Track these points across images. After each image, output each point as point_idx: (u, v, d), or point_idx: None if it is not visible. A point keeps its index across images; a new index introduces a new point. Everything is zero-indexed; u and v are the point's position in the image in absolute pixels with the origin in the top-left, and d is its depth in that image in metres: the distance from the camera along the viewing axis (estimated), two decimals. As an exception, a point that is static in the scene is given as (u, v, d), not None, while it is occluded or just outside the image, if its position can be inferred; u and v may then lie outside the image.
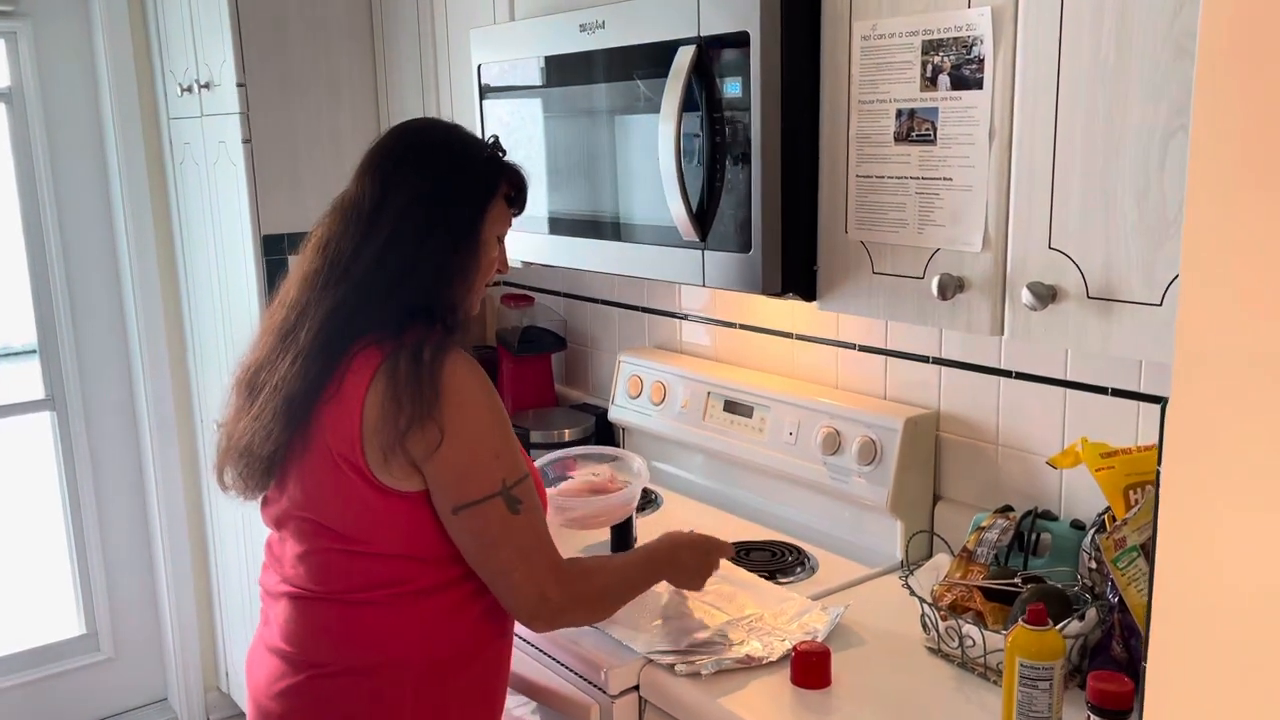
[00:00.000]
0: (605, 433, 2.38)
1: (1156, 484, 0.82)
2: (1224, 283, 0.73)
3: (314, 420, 1.24)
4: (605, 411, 2.33)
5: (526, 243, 1.91)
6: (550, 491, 1.65)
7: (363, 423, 1.22)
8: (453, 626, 1.30)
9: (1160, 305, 1.13)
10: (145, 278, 2.81)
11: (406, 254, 1.26)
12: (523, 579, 1.26)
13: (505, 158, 1.38)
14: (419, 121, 1.43)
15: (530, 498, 1.27)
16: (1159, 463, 0.80)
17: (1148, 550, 1.31)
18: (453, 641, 1.30)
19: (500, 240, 1.38)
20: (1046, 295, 1.22)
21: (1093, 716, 1.16)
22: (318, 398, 1.24)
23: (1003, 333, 1.29)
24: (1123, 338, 1.17)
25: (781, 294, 1.51)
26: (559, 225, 1.83)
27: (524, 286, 2.66)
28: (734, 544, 1.79)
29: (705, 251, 1.54)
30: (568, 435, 2.32)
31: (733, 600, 1.59)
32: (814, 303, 1.52)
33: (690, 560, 1.50)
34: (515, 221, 1.89)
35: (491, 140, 1.38)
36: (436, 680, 1.29)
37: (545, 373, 2.53)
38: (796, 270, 1.50)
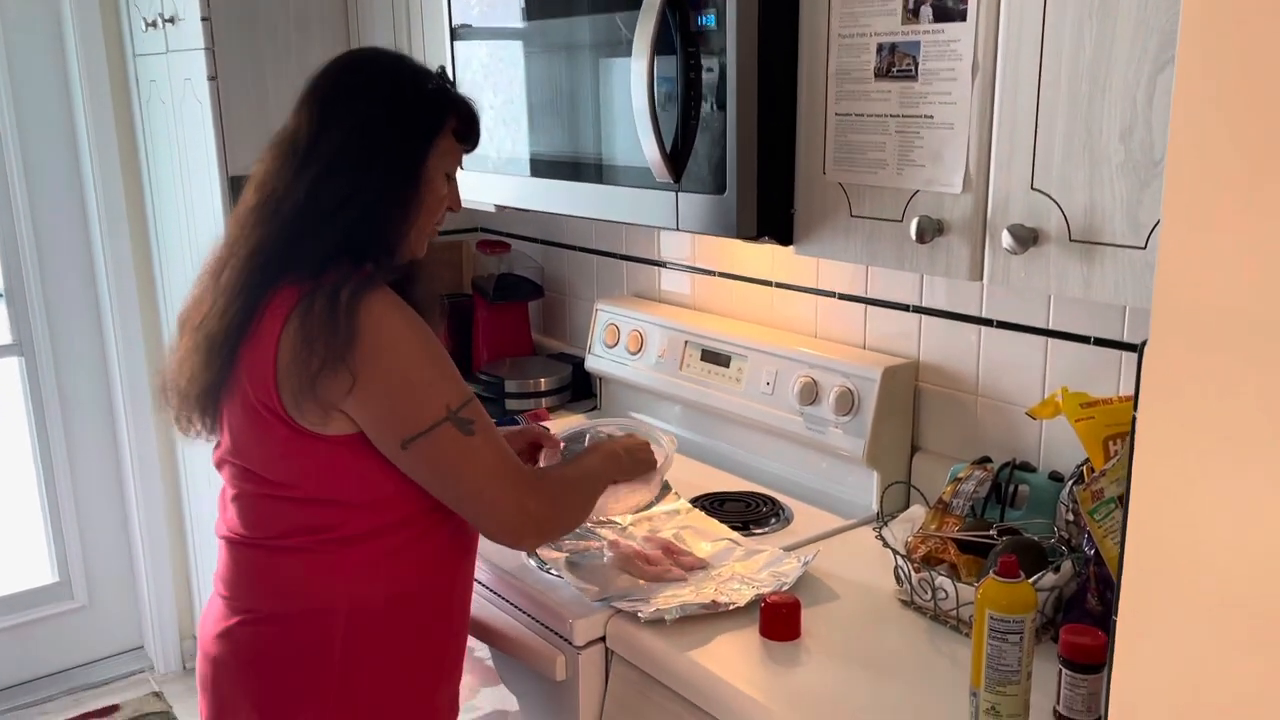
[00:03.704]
0: (582, 382, 2.34)
1: (1132, 429, 0.78)
2: (1206, 225, 0.69)
3: (237, 362, 1.21)
4: (582, 361, 2.29)
5: (499, 186, 1.85)
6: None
7: (277, 365, 1.17)
8: (384, 574, 1.26)
9: (1144, 248, 1.09)
10: (113, 221, 2.75)
11: (338, 189, 1.20)
12: (496, 496, 1.22)
13: (454, 89, 1.31)
14: (362, 51, 1.37)
15: (482, 417, 1.23)
16: (1135, 408, 0.77)
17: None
18: (385, 591, 1.26)
19: (450, 177, 1.32)
20: (1027, 238, 1.18)
21: (1064, 670, 1.13)
22: (239, 339, 1.20)
23: (982, 277, 1.25)
24: (1105, 282, 1.13)
25: (757, 238, 1.46)
26: (530, 166, 1.77)
27: (500, 233, 2.61)
28: (709, 495, 1.78)
29: (679, 193, 1.49)
30: (544, 385, 2.29)
31: (698, 548, 1.56)
32: (790, 247, 1.47)
33: (629, 450, 1.47)
34: (493, 165, 1.85)
35: (438, 71, 1.31)
36: (367, 631, 1.25)
37: (522, 321, 2.48)
38: (773, 213, 1.45)
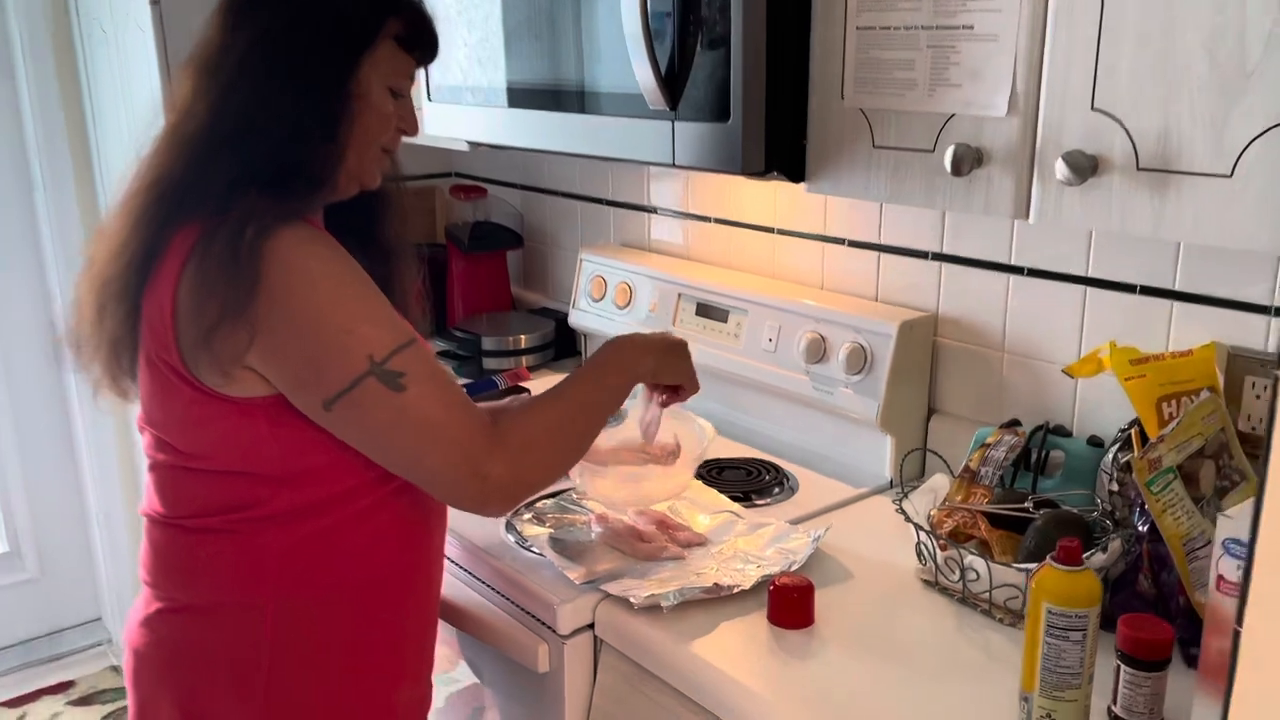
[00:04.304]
0: (566, 339, 2.17)
1: (1274, 390, 0.62)
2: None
3: (140, 313, 1.04)
4: (566, 316, 2.12)
5: (472, 119, 1.67)
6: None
7: (176, 316, 1.00)
8: (321, 560, 1.08)
9: (1230, 176, 0.92)
10: (56, 163, 2.54)
11: (244, 107, 1.01)
12: (441, 461, 1.02)
13: None
14: None
15: (419, 366, 1.03)
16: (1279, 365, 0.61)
17: (1186, 472, 1.12)
18: (322, 579, 1.09)
19: (397, 93, 1.11)
20: (1086, 167, 1.01)
21: (1124, 667, 0.98)
22: (140, 285, 1.03)
23: (1027, 215, 1.08)
24: (1180, 217, 0.96)
25: (764, 174, 1.29)
26: (507, 96, 1.58)
27: (475, 177, 2.42)
28: (706, 462, 1.61)
29: (675, 122, 1.31)
30: (524, 342, 2.12)
31: (695, 521, 1.40)
32: (801, 184, 1.30)
33: (652, 346, 1.24)
34: (466, 97, 1.66)
35: None
36: (302, 626, 1.08)
37: (500, 273, 2.31)
38: (782, 145, 1.28)
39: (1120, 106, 0.99)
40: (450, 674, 1.51)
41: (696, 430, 1.41)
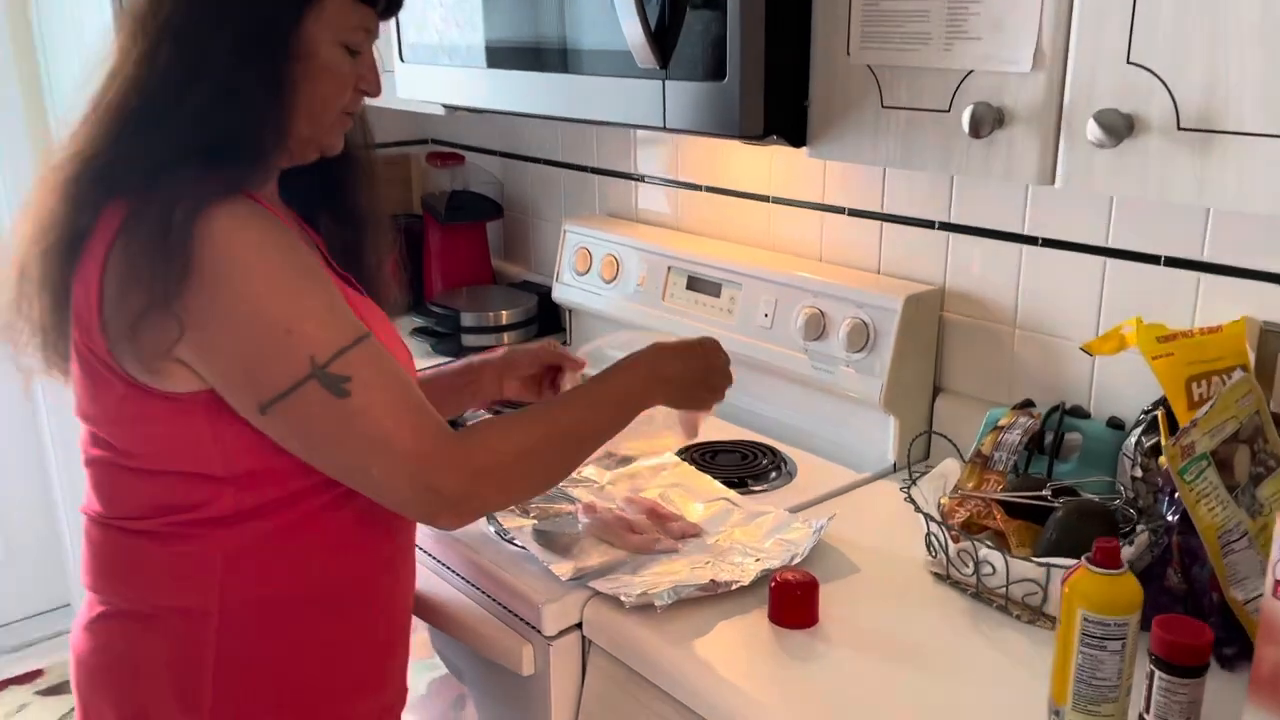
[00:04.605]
0: (549, 315, 2.07)
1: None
2: None
3: (70, 300, 0.94)
4: (549, 290, 2.03)
5: (448, 81, 1.56)
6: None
7: (103, 304, 0.91)
8: (271, 565, 0.99)
9: (1284, 137, 0.84)
10: (9, 128, 2.40)
11: (175, 70, 0.91)
12: (389, 473, 0.92)
13: None
14: None
15: (366, 368, 0.92)
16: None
17: (1220, 459, 1.04)
18: (273, 585, 0.99)
19: (354, 50, 0.99)
20: (1121, 128, 0.92)
21: (1158, 673, 0.90)
22: (66, 269, 0.93)
23: (1053, 181, 0.99)
24: (1225, 182, 0.88)
25: (763, 137, 1.19)
26: (486, 55, 1.48)
27: (453, 144, 2.31)
28: (699, 445, 1.52)
29: (666, 82, 1.21)
30: (505, 318, 2.02)
31: (689, 510, 1.32)
32: (802, 149, 1.21)
33: (676, 377, 1.14)
34: (442, 57, 1.55)
35: None
36: (251, 635, 0.99)
37: (479, 245, 2.20)
38: (782, 106, 1.19)
39: (1160, 60, 0.90)
40: (429, 660, 1.43)
41: None
